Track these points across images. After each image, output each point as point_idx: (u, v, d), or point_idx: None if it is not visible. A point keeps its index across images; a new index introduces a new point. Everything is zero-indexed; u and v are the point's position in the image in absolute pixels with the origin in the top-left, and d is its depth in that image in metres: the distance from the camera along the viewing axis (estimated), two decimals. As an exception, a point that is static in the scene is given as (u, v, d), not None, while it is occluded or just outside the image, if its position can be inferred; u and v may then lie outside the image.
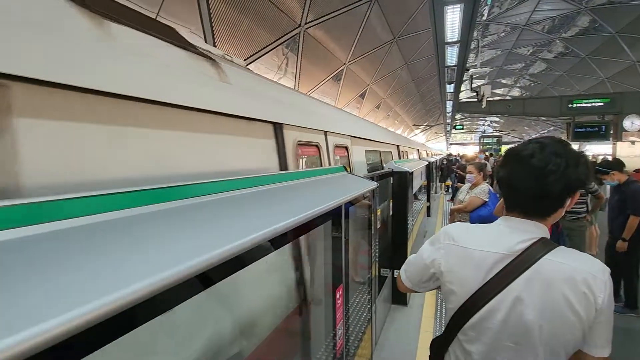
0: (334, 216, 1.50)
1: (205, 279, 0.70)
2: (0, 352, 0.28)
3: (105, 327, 0.40)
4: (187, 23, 6.11)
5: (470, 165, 4.10)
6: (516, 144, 1.04)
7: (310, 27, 8.53)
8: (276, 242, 1.06)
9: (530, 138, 1.06)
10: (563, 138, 1.33)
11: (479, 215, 3.80)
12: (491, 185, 4.97)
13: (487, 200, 3.84)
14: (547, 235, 0.94)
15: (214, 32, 6.52)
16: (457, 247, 1.00)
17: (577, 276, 0.84)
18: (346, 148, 2.73)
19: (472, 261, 0.96)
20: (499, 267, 0.92)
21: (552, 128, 31.46)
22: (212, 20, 6.36)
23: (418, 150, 9.00)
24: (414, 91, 19.02)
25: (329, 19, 8.75)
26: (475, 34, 5.29)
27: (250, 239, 0.69)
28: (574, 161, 0.90)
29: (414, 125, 25.65)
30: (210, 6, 6.16)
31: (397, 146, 5.65)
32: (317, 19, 8.50)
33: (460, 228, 1.06)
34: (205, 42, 6.17)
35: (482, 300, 0.92)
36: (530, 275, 0.88)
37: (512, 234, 0.95)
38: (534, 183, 0.91)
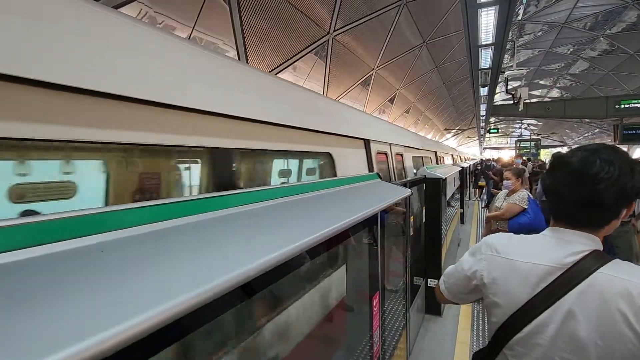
0: (369, 224, 1.50)
1: (244, 289, 0.71)
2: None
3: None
4: (220, 36, 6.38)
5: (508, 171, 3.93)
6: (566, 151, 1.00)
7: (338, 34, 8.61)
8: (312, 251, 1.07)
9: (575, 144, 1.01)
10: (609, 141, 1.25)
11: (519, 222, 3.63)
12: (529, 191, 4.74)
13: (526, 207, 3.67)
14: (600, 247, 0.89)
15: (246, 44, 6.76)
16: (500, 259, 0.97)
17: (633, 290, 0.79)
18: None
19: (518, 273, 0.92)
20: (548, 280, 0.88)
21: (597, 130, 29.48)
22: (244, 32, 6.59)
23: (436, 153, 6.17)
24: (445, 95, 18.58)
25: (357, 25, 8.79)
26: (510, 34, 5.07)
27: (286, 250, 0.70)
28: (628, 168, 0.85)
29: (446, 129, 24.99)
30: (243, 19, 6.39)
31: (375, 143, 3.17)
32: (345, 26, 8.56)
33: (503, 238, 1.02)
34: (237, 53, 6.41)
35: (530, 314, 0.89)
36: (583, 289, 0.83)
37: (560, 245, 0.91)
38: (583, 192, 0.86)
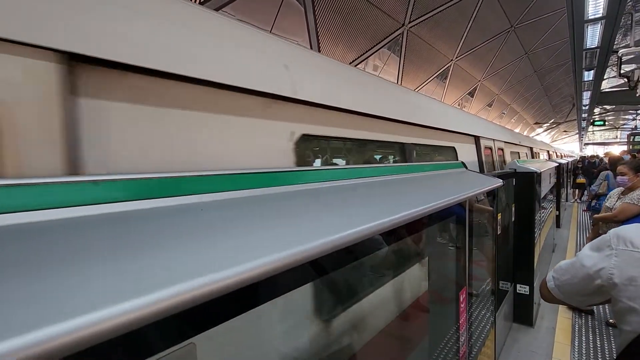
0: (456, 213, 1.39)
1: (315, 267, 0.69)
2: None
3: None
4: (296, 37, 6.60)
5: (622, 165, 3.32)
6: None
7: (414, 25, 8.26)
8: (391, 235, 1.02)
9: None
10: None
11: (637, 226, 3.05)
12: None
13: (647, 208, 3.06)
14: None
15: (320, 42, 6.90)
16: None
17: None
18: None
19: None
20: None
21: None
22: (318, 31, 6.73)
23: (494, 142, 3.69)
24: (536, 84, 16.60)
25: (434, 14, 8.33)
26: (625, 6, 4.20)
27: (362, 229, 0.65)
28: None
29: (536, 123, 22.32)
30: (317, 18, 6.54)
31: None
32: (421, 16, 8.18)
33: None
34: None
35: None
36: None
37: None
38: None
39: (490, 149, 3.41)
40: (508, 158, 4.27)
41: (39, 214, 0.42)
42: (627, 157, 9.41)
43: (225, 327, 0.49)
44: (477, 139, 2.96)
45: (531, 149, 6.05)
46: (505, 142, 4.12)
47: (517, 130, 18.56)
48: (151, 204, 0.53)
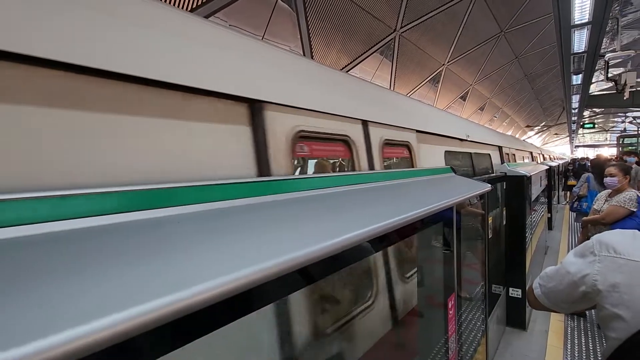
0: (444, 218, 1.39)
1: (301, 277, 0.66)
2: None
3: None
4: (287, 42, 6.61)
5: (612, 167, 3.35)
6: None
7: (405, 30, 8.34)
8: (379, 243, 1.01)
9: None
10: None
11: (624, 228, 3.07)
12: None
13: (635, 210, 3.09)
14: None
15: (312, 47, 6.92)
16: (623, 261, 0.79)
17: None
18: None
19: None
20: None
21: None
22: (310, 36, 6.76)
23: (365, 127, 1.37)
24: (527, 88, 16.81)
25: (426, 19, 8.42)
26: (611, 11, 4.27)
27: (349, 237, 0.65)
28: None
29: (527, 126, 22.57)
30: (309, 23, 6.56)
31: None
32: (413, 22, 8.26)
33: (623, 236, 0.84)
34: (304, 56, 6.57)
35: None
36: None
37: None
38: None
39: (349, 143, 1.38)
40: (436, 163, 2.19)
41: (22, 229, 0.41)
42: (633, 159, 9.06)
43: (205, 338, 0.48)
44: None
45: (500, 148, 4.32)
46: (418, 131, 1.92)
47: (509, 133, 18.66)
48: (127, 217, 0.52)
